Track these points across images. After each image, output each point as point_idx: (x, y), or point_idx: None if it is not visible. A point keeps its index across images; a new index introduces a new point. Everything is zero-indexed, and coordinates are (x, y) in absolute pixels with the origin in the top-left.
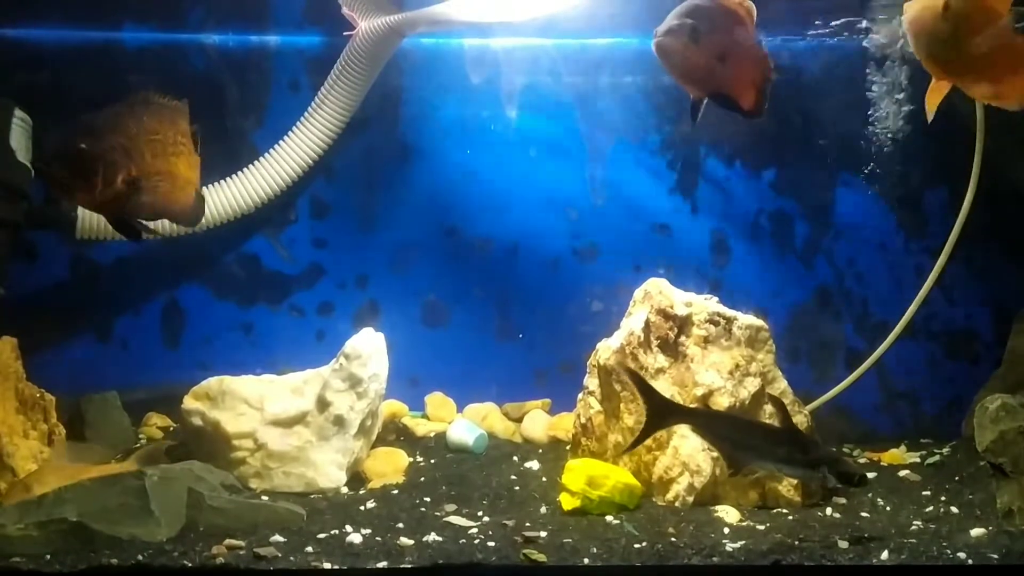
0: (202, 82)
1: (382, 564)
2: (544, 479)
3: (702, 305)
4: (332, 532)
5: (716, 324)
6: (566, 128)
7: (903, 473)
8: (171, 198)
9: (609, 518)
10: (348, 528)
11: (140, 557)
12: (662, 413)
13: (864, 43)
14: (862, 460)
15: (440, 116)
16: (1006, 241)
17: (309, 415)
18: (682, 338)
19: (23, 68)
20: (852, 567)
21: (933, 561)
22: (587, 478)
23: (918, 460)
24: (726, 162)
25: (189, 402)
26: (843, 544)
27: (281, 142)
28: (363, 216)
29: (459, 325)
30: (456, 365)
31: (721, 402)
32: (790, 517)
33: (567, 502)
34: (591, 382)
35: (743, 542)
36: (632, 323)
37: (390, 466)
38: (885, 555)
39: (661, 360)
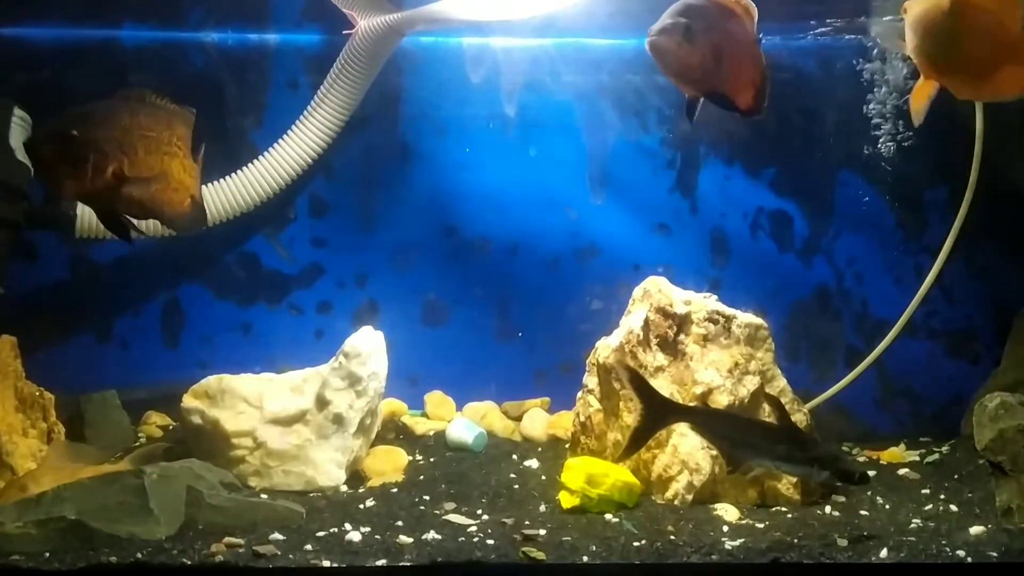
0: (201, 81)
1: (381, 562)
2: (543, 477)
3: (701, 303)
4: (331, 530)
5: (715, 322)
6: (566, 127)
7: (902, 471)
8: (162, 198)
9: (608, 516)
10: (347, 526)
11: (139, 555)
12: (660, 412)
13: (865, 41)
14: (861, 458)
15: (439, 115)
16: (1006, 240)
17: (308, 413)
18: (681, 336)
19: (23, 67)
20: (851, 565)
21: (932, 559)
22: (586, 476)
23: (917, 458)
24: (726, 161)
25: (188, 401)
26: (842, 542)
27: (280, 141)
28: (362, 215)
29: (458, 324)
30: (455, 364)
31: (720, 400)
32: (789, 515)
33: (566, 500)
34: (590, 380)
35: (742, 540)
36: (631, 321)
37: (389, 464)
38: (884, 553)
39: (660, 358)
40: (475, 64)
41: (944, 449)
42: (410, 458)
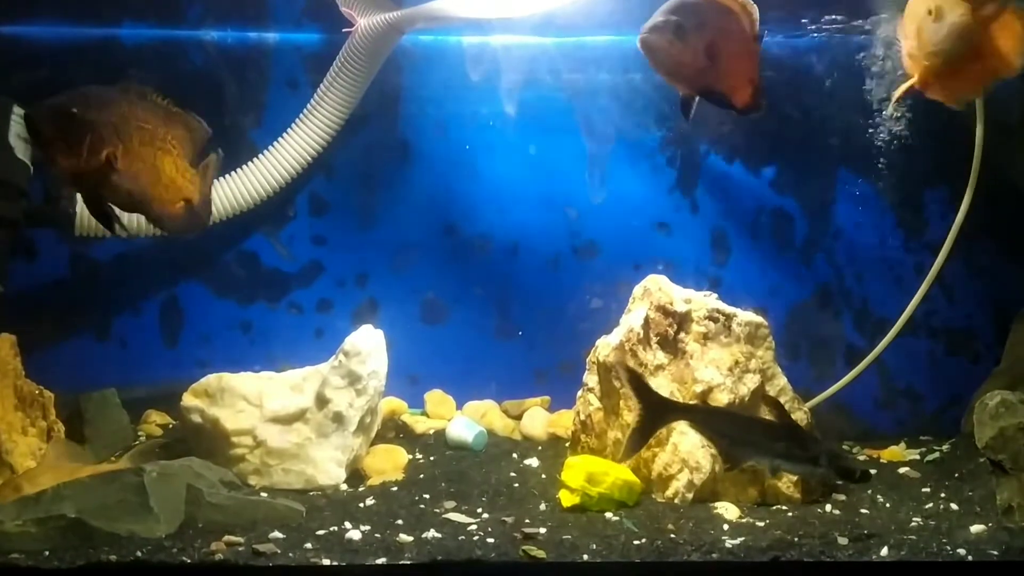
0: (201, 79)
1: (381, 560)
2: (543, 476)
3: (701, 302)
4: (331, 529)
5: (715, 321)
6: (565, 126)
7: (903, 470)
8: (150, 192)
9: (608, 515)
10: (347, 525)
11: (139, 553)
12: (658, 411)
13: (865, 40)
14: (862, 457)
15: (439, 113)
16: (1006, 239)
17: (308, 412)
18: (681, 335)
19: (22, 66)
20: (852, 563)
21: (933, 557)
22: (586, 475)
23: (918, 457)
24: (726, 160)
25: (188, 399)
26: (843, 541)
27: (280, 139)
28: (362, 214)
29: (458, 322)
30: (455, 362)
31: (720, 399)
32: (790, 514)
33: (566, 499)
34: (591, 379)
35: (742, 538)
36: (632, 320)
37: (389, 463)
38: (885, 551)
39: (660, 357)
40: (475, 62)
41: (944, 448)
42: (410, 457)
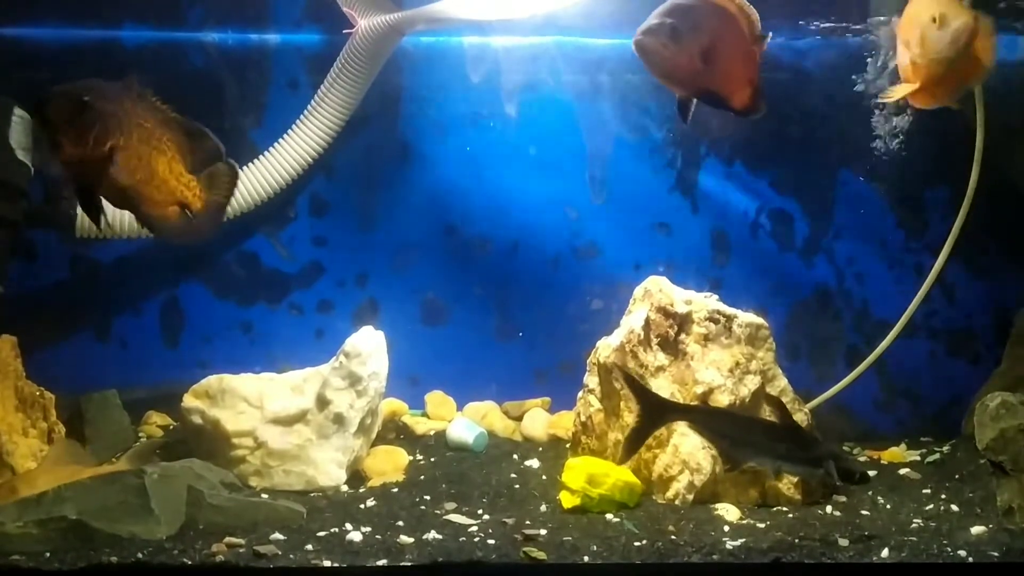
0: (201, 80)
1: (382, 562)
2: (544, 477)
3: (702, 303)
4: (332, 530)
5: (716, 322)
6: (566, 126)
7: (903, 471)
8: (141, 191)
9: (609, 516)
10: (348, 526)
11: (140, 555)
12: (657, 412)
13: (866, 40)
14: (862, 458)
15: (440, 114)
16: (1006, 240)
17: (309, 413)
18: (682, 336)
19: (23, 67)
20: (852, 565)
21: (933, 559)
22: (587, 476)
23: (918, 458)
24: (726, 160)
25: (189, 400)
26: (843, 542)
27: (280, 140)
28: (363, 214)
29: (459, 323)
30: (456, 363)
31: (721, 400)
32: (790, 515)
33: (567, 500)
34: (591, 380)
35: (743, 540)
36: (632, 321)
37: (390, 464)
38: (885, 553)
39: (661, 358)
40: (475, 63)
41: (945, 449)
42: (411, 458)
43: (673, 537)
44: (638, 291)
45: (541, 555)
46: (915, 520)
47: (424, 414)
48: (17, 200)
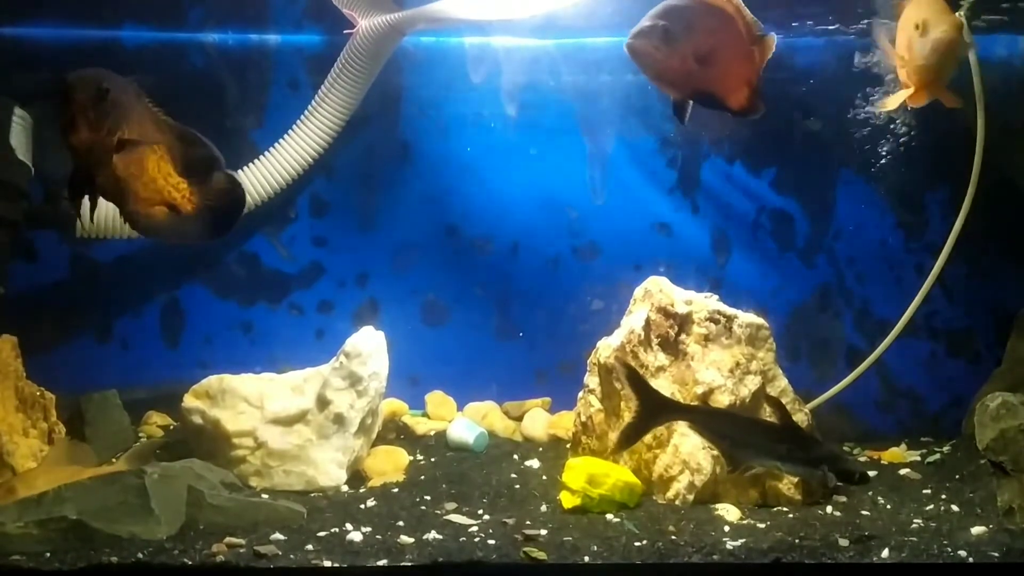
0: (202, 81)
1: (382, 562)
2: (544, 477)
3: (702, 303)
4: (332, 530)
5: (716, 322)
6: (566, 127)
7: (904, 471)
8: (130, 186)
9: (609, 516)
10: (348, 526)
11: (140, 555)
12: (655, 409)
13: (866, 40)
14: (862, 458)
15: (440, 115)
16: (1006, 240)
17: (309, 413)
18: (682, 336)
19: (23, 67)
20: (852, 565)
21: (934, 559)
22: (587, 476)
23: (919, 458)
24: (727, 161)
25: (189, 401)
26: (843, 542)
27: (281, 141)
28: (363, 215)
29: (459, 324)
30: (456, 364)
31: (722, 400)
32: (790, 515)
33: (567, 500)
34: (591, 380)
35: (743, 540)
36: (632, 321)
37: (390, 464)
38: (886, 553)
39: (661, 358)
40: (476, 64)
41: (945, 449)
42: (411, 458)
43: (673, 537)
44: (638, 291)
45: (541, 555)
46: (915, 520)
47: (424, 414)
48: (17, 200)
